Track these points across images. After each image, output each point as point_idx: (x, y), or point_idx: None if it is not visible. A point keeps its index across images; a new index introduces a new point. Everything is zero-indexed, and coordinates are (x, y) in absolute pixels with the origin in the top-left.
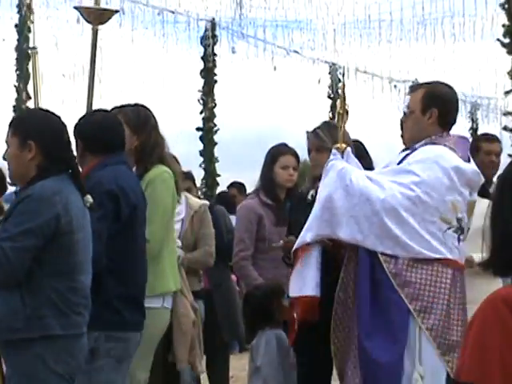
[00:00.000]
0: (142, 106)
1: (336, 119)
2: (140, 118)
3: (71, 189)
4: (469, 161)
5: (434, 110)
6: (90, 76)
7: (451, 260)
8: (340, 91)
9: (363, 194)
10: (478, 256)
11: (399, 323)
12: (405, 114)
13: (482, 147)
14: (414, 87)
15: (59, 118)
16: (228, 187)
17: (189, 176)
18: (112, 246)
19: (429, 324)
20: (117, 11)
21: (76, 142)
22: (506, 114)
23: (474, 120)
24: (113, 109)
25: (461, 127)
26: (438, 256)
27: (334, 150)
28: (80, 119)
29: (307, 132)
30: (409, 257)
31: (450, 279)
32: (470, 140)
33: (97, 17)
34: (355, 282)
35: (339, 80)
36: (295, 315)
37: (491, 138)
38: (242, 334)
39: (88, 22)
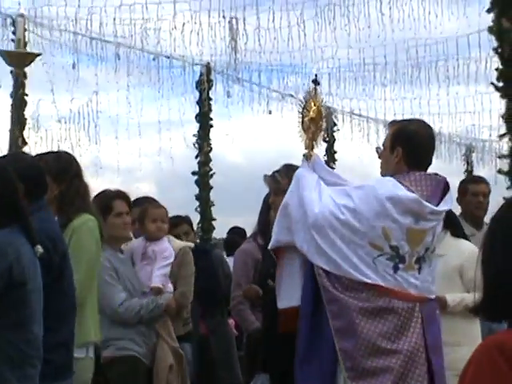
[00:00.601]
0: (66, 153)
1: (303, 126)
2: (60, 166)
3: (22, 240)
4: (436, 199)
5: (399, 148)
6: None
7: (382, 287)
8: (310, 96)
9: (302, 206)
10: (453, 296)
11: (327, 341)
12: (377, 150)
13: (468, 189)
14: (390, 124)
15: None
16: (228, 233)
17: (186, 220)
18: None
19: (342, 345)
20: (39, 54)
21: None
22: (501, 156)
23: (468, 162)
24: (35, 156)
25: (456, 170)
26: (365, 280)
27: (302, 158)
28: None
29: (265, 175)
30: (339, 274)
31: (375, 305)
32: (442, 178)
33: (20, 60)
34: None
35: (334, 124)
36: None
37: (478, 180)
38: (238, 379)
39: (9, 65)
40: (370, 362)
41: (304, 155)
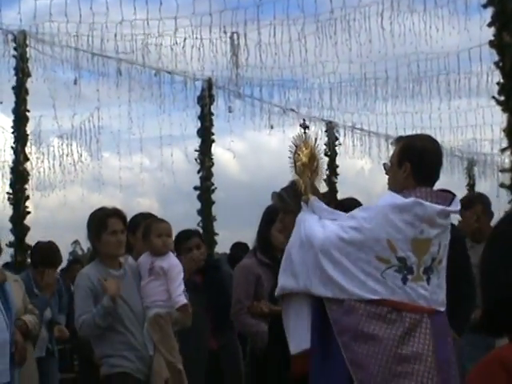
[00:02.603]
0: None
1: (296, 171)
2: None
3: None
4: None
5: (407, 163)
6: None
7: (394, 301)
8: (301, 141)
9: (308, 240)
10: None
11: (338, 377)
12: (384, 166)
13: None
14: (396, 140)
15: None
16: (231, 248)
17: (197, 233)
18: None
19: (358, 375)
20: None
21: None
22: (503, 170)
23: (470, 176)
24: None
25: (458, 183)
26: (373, 297)
27: (302, 203)
28: None
29: (273, 193)
30: (346, 298)
31: (394, 322)
32: (450, 195)
33: None
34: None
35: (336, 138)
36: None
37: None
38: None
39: None
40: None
41: (302, 200)
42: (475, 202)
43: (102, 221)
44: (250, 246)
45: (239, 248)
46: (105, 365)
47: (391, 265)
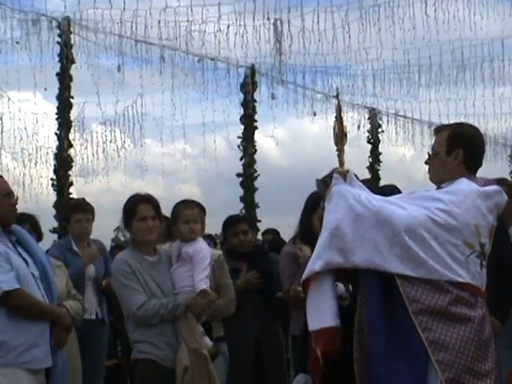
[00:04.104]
0: None
1: (334, 142)
2: None
3: None
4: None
5: (460, 150)
6: None
7: (474, 286)
8: (336, 113)
9: (381, 215)
10: None
11: (413, 353)
12: (429, 155)
13: None
14: (439, 128)
15: None
16: (263, 234)
17: (245, 219)
18: None
19: (439, 356)
20: None
21: None
22: None
23: None
24: None
25: (501, 170)
26: (459, 279)
27: (335, 175)
28: None
29: (317, 180)
30: (432, 278)
31: (474, 307)
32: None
33: None
34: (368, 309)
35: (379, 125)
36: (318, 351)
37: (502, 182)
38: (286, 380)
39: None
40: (467, 375)
41: (337, 172)
42: None
43: (131, 207)
44: (291, 233)
45: (270, 233)
46: (134, 349)
47: (474, 250)
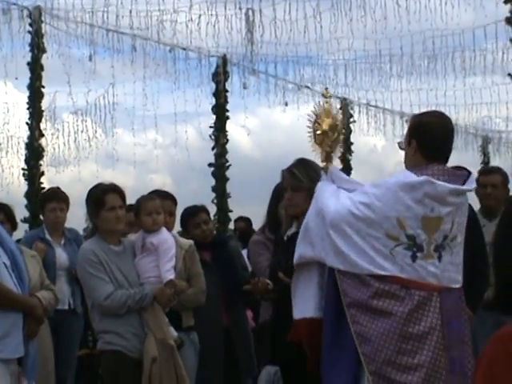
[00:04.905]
0: None
1: (315, 139)
2: None
3: None
4: (459, 183)
5: (413, 141)
6: None
7: (403, 279)
8: (322, 110)
9: (321, 211)
10: None
11: (349, 346)
12: (399, 145)
13: (479, 180)
14: (410, 118)
15: None
16: (235, 221)
17: (204, 209)
18: None
19: (364, 349)
20: None
21: None
22: None
23: (485, 154)
24: None
25: (472, 161)
26: (382, 272)
27: (321, 172)
28: None
29: (282, 171)
30: (355, 272)
31: (402, 300)
32: (468, 170)
33: None
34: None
35: (351, 115)
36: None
37: (487, 171)
38: (255, 370)
39: None
40: (389, 368)
41: (322, 168)
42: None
43: (99, 197)
44: (262, 223)
45: (242, 220)
46: (100, 340)
47: (400, 242)
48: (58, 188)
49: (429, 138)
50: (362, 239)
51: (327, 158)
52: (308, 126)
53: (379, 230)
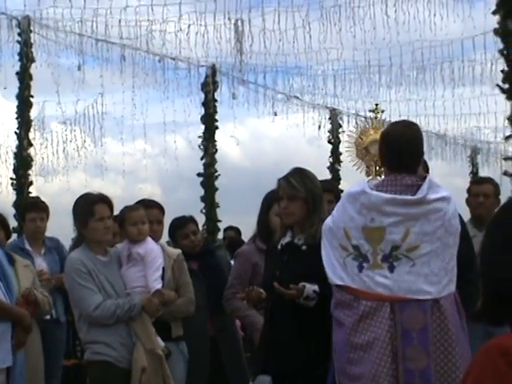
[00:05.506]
0: None
1: (359, 154)
2: None
3: None
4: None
5: (380, 151)
6: None
7: (354, 289)
8: (377, 126)
9: None
10: None
11: None
12: None
13: (471, 190)
14: None
15: None
16: (225, 230)
17: (192, 219)
18: None
19: (333, 359)
20: None
21: None
22: (507, 158)
23: (474, 164)
24: None
25: (461, 171)
26: (340, 283)
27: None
28: None
29: (279, 179)
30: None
31: (353, 310)
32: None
33: None
34: None
35: (340, 125)
36: None
37: (480, 181)
38: (246, 379)
39: None
40: (342, 377)
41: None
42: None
43: (88, 207)
44: (251, 232)
45: (232, 229)
46: (88, 350)
47: (349, 253)
48: (38, 198)
49: (386, 148)
50: (332, 250)
51: (368, 173)
52: (346, 141)
53: (336, 240)
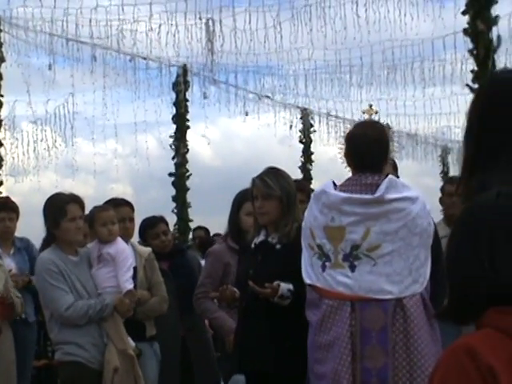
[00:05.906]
0: None
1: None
2: None
3: None
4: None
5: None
6: None
7: (318, 288)
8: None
9: None
10: None
11: None
12: None
13: (444, 189)
14: None
15: None
16: (194, 230)
17: (163, 219)
18: None
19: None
20: None
21: None
22: None
23: (444, 164)
24: None
25: (432, 171)
26: (308, 281)
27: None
28: None
29: (253, 179)
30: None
31: (317, 307)
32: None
33: None
34: None
35: (311, 125)
36: None
37: (453, 180)
38: (216, 378)
39: None
40: (311, 376)
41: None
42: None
43: (61, 207)
44: (222, 232)
45: (201, 229)
46: (59, 351)
47: (315, 252)
48: (8, 198)
49: (348, 148)
50: (305, 249)
51: None
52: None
53: (306, 239)
